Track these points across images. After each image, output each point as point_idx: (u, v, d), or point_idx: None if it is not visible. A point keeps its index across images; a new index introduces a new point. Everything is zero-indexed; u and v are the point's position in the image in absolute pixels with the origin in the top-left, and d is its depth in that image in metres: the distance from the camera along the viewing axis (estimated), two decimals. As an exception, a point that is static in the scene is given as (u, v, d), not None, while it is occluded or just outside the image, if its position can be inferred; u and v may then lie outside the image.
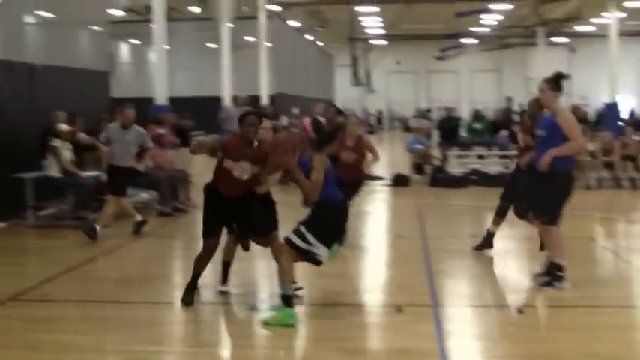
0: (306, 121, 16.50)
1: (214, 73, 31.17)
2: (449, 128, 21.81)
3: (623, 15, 36.11)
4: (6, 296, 8.18)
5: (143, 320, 7.46)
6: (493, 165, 20.12)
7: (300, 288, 7.96)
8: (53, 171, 12.76)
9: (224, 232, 8.02)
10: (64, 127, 13.09)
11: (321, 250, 7.26)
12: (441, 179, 19.07)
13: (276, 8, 34.27)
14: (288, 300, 7.17)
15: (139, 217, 12.02)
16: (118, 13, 33.00)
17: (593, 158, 18.34)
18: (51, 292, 8.65)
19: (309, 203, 7.72)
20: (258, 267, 9.49)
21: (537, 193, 8.44)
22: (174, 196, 14.54)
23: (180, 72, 35.93)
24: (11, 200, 12.68)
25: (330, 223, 7.40)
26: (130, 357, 6.46)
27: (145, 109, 19.28)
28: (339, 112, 15.20)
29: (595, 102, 43.68)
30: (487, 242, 10.31)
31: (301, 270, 7.92)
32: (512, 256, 10.45)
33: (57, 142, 12.76)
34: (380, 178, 19.65)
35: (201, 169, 15.41)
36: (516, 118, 21.12)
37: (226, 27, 27.73)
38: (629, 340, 6.89)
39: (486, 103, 41.34)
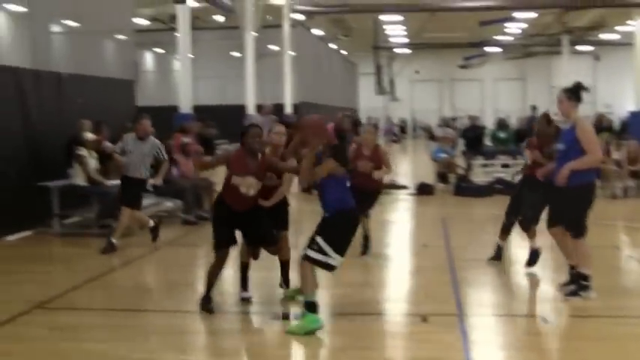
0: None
1: (238, 82, 31.23)
2: (473, 137, 21.75)
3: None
4: (32, 304, 8.22)
5: (167, 328, 7.48)
6: (517, 174, 19.99)
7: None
8: (79, 179, 12.82)
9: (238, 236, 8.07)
10: (89, 135, 13.16)
11: (337, 261, 7.29)
12: (466, 188, 18.99)
13: (300, 17, 34.32)
14: (311, 306, 7.16)
15: (151, 223, 11.99)
16: (143, 22, 33.26)
17: (618, 167, 18.22)
18: (76, 301, 8.71)
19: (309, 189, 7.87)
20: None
21: (561, 207, 8.36)
22: (198, 205, 14.59)
23: (205, 80, 36.12)
24: (37, 208, 12.77)
25: (345, 231, 7.41)
26: (155, 365, 6.49)
27: (169, 118, 19.43)
28: (356, 122, 15.19)
29: (620, 110, 43.44)
30: (497, 255, 10.30)
31: (324, 279, 7.92)
32: (537, 265, 10.38)
33: (83, 151, 12.82)
34: (404, 187, 19.63)
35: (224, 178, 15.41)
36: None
37: (251, 36, 27.77)
38: (655, 351, 6.82)
39: (510, 111, 41.17)
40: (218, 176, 16.94)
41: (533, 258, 9.83)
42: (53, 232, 12.83)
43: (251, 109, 27.27)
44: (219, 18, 36.86)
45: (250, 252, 8.34)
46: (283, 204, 8.49)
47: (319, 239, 7.23)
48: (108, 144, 13.08)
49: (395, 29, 45.58)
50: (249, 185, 7.73)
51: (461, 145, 23.05)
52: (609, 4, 32.88)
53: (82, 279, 9.54)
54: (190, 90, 20.84)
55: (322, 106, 38.75)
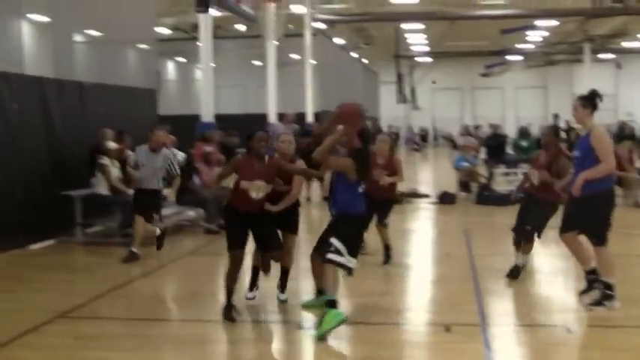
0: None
1: (260, 91, 31.33)
2: (495, 145, 21.64)
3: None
4: (55, 313, 8.25)
5: (189, 338, 7.49)
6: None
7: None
8: (101, 188, 12.87)
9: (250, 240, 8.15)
10: (112, 144, 13.21)
11: (352, 263, 7.39)
12: (488, 197, 18.89)
13: (322, 26, 34.37)
14: (332, 303, 7.20)
15: (157, 232, 11.95)
16: (165, 31, 33.42)
17: (641, 175, 18.11)
18: (98, 310, 8.73)
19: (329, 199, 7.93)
20: (305, 285, 9.47)
21: (578, 215, 8.28)
22: (220, 214, 14.59)
23: (226, 89, 36.25)
24: (60, 217, 12.84)
25: (356, 233, 7.55)
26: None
27: (191, 127, 19.49)
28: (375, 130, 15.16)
29: (641, 118, 43.26)
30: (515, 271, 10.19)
31: (346, 288, 7.91)
32: (560, 275, 10.33)
33: (105, 160, 12.87)
34: (426, 196, 19.58)
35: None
36: (563, 135, 20.91)
37: (272, 44, 27.84)
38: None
39: (532, 119, 41.04)
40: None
41: (515, 273, 9.75)
42: (76, 241, 12.90)
43: (273, 118, 27.31)
44: (241, 27, 36.96)
45: (261, 264, 8.42)
46: (293, 207, 8.56)
47: (335, 240, 7.33)
48: (130, 153, 13.13)
49: (416, 38, 45.58)
50: (258, 188, 7.80)
51: (482, 153, 22.96)
52: (631, 11, 32.75)
53: (105, 288, 9.57)
54: (212, 99, 20.88)
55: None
